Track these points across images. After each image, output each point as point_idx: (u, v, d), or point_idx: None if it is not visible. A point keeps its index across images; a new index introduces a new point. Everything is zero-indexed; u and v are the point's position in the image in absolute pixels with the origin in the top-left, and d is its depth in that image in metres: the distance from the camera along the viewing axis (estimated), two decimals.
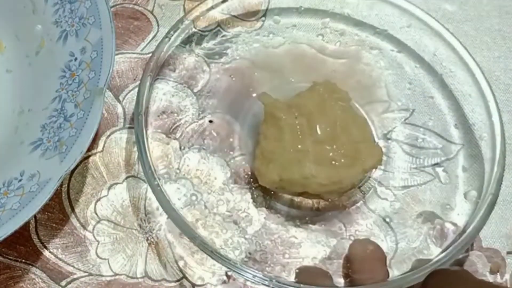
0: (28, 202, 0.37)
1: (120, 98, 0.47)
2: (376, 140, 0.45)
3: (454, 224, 0.41)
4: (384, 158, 0.43)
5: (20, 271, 0.41)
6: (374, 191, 0.43)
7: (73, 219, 0.42)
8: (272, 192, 0.43)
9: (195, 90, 0.46)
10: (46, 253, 0.41)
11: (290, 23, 0.49)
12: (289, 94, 0.43)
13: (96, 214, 0.42)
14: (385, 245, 0.41)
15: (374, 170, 0.43)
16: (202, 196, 0.42)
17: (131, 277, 0.41)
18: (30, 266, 0.41)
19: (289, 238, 0.41)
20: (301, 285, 0.37)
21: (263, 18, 0.49)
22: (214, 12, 0.48)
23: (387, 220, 0.42)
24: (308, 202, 0.43)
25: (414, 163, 0.44)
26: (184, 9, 0.51)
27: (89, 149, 0.42)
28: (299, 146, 0.40)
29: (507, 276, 0.42)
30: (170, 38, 0.45)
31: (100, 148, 0.45)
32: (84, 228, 0.42)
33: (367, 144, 0.41)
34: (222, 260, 0.38)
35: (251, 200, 0.43)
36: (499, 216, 0.44)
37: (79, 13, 0.42)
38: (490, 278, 0.41)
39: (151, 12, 0.50)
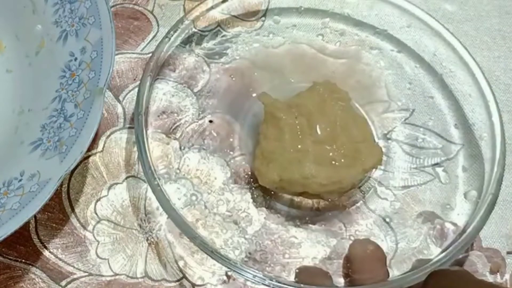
0: (28, 202, 0.37)
1: (120, 98, 0.47)
2: (376, 140, 0.45)
3: (454, 224, 0.41)
4: (384, 158, 0.43)
5: (20, 271, 0.41)
6: (374, 191, 0.43)
7: (73, 219, 0.42)
8: (272, 192, 0.43)
9: (195, 90, 0.46)
10: (46, 253, 0.41)
11: (290, 23, 0.49)
12: (289, 94, 0.43)
13: (96, 214, 0.42)
14: (385, 245, 0.41)
15: (374, 170, 0.43)
16: (202, 196, 0.42)
17: (131, 277, 0.41)
18: (30, 266, 0.41)
19: (289, 238, 0.41)
20: (301, 285, 0.37)
21: (263, 18, 0.49)
22: (214, 12, 0.48)
23: (387, 220, 0.42)
24: (308, 202, 0.43)
25: (414, 163, 0.44)
26: (184, 9, 0.51)
27: (89, 149, 0.42)
28: (299, 146, 0.40)
29: (507, 276, 0.42)
30: (170, 38, 0.45)
31: (100, 148, 0.45)
32: (84, 228, 0.42)
33: (367, 144, 0.41)
34: (222, 260, 0.38)
35: (251, 200, 0.43)
36: (499, 216, 0.44)
37: (79, 13, 0.42)
38: (490, 278, 0.41)
39: (151, 12, 0.50)
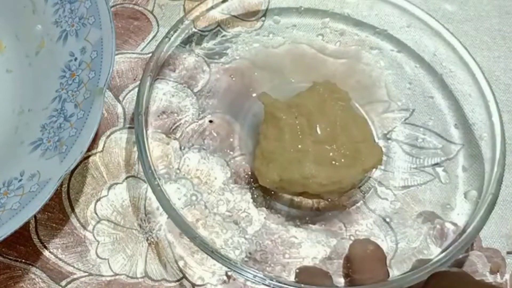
0: (28, 202, 0.37)
1: (120, 98, 0.47)
2: (376, 140, 0.45)
3: (454, 224, 0.41)
4: (384, 158, 0.43)
5: (20, 271, 0.41)
6: (374, 191, 0.43)
7: (73, 219, 0.42)
8: (272, 192, 0.43)
9: (195, 90, 0.46)
10: (46, 253, 0.41)
11: (290, 23, 0.49)
12: (289, 94, 0.43)
13: (96, 214, 0.42)
14: (385, 245, 0.41)
15: (374, 170, 0.43)
16: (202, 196, 0.42)
17: (131, 277, 0.41)
18: (30, 266, 0.41)
19: (289, 238, 0.41)
20: (301, 285, 0.37)
21: (263, 18, 0.49)
22: (214, 12, 0.48)
23: (387, 220, 0.42)
24: (308, 202, 0.43)
25: (414, 163, 0.44)
26: (184, 9, 0.51)
27: (89, 149, 0.42)
28: (299, 146, 0.40)
29: (507, 276, 0.42)
30: (170, 38, 0.45)
31: (100, 148, 0.45)
32: (84, 228, 0.42)
33: (367, 144, 0.41)
34: (223, 260, 0.38)
35: (251, 200, 0.43)
36: (499, 216, 0.44)
37: (79, 13, 0.42)
38: (490, 278, 0.41)
39: (151, 12, 0.50)
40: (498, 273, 0.42)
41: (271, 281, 0.37)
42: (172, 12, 0.50)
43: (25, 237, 0.42)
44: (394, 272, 0.40)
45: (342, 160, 0.40)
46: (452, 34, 0.46)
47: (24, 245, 0.41)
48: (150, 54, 0.46)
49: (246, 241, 0.41)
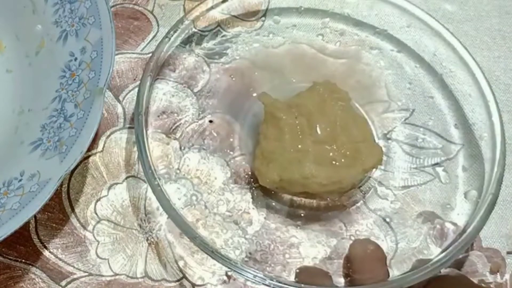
0: (28, 202, 0.37)
1: (120, 98, 0.47)
2: (376, 140, 0.45)
3: (454, 224, 0.41)
4: (384, 158, 0.43)
5: (20, 271, 0.41)
6: (374, 191, 0.43)
7: (73, 219, 0.42)
8: (272, 192, 0.43)
9: (195, 90, 0.46)
10: (46, 253, 0.41)
11: (290, 23, 0.49)
12: (289, 94, 0.43)
13: (96, 214, 0.42)
14: (385, 245, 0.41)
15: (374, 170, 0.43)
16: (202, 196, 0.42)
17: (131, 277, 0.41)
18: (30, 266, 0.41)
19: (289, 238, 0.41)
20: (302, 285, 0.37)
21: (263, 18, 0.49)
22: (214, 12, 0.48)
23: (387, 220, 0.42)
24: (308, 202, 0.43)
25: (414, 163, 0.44)
26: (184, 9, 0.51)
27: (89, 149, 0.42)
28: (299, 146, 0.40)
29: (507, 276, 0.42)
30: (170, 38, 0.45)
31: (100, 148, 0.45)
32: (84, 228, 0.42)
33: (367, 144, 0.41)
34: (223, 260, 0.38)
35: (251, 200, 0.43)
36: (499, 216, 0.44)
37: (79, 13, 0.42)
38: (490, 278, 0.41)
39: (151, 12, 0.50)
40: (498, 273, 0.42)
41: (271, 281, 0.37)
42: (172, 12, 0.50)
43: (25, 237, 0.42)
44: (394, 272, 0.40)
45: (342, 160, 0.40)
46: (452, 34, 0.46)
47: (24, 245, 0.41)
48: (150, 54, 0.46)
49: (246, 241, 0.41)
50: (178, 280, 0.41)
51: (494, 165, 0.42)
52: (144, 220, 0.42)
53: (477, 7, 0.52)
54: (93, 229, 0.42)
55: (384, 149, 0.43)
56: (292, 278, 0.40)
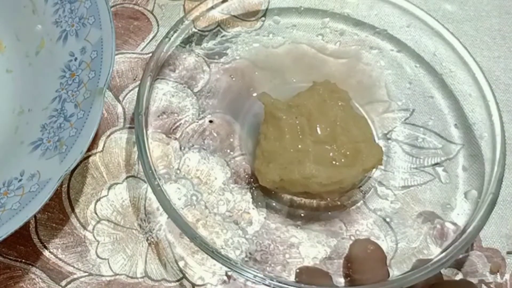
0: (28, 202, 0.37)
1: (120, 98, 0.47)
2: (376, 140, 0.45)
3: (454, 224, 0.41)
4: (384, 158, 0.43)
5: (20, 271, 0.41)
6: (374, 191, 0.43)
7: (73, 219, 0.42)
8: (272, 192, 0.43)
9: (195, 90, 0.46)
10: (46, 253, 0.41)
11: (290, 23, 0.49)
12: (289, 94, 0.43)
13: (96, 214, 0.42)
14: (385, 245, 0.41)
15: (374, 170, 0.43)
16: (202, 196, 0.42)
17: (131, 277, 0.41)
18: (30, 266, 0.41)
19: (289, 238, 0.41)
20: (302, 285, 0.37)
21: (263, 18, 0.49)
22: (214, 12, 0.48)
23: (387, 220, 0.42)
24: (308, 202, 0.43)
25: (414, 163, 0.44)
26: (184, 9, 0.51)
27: (89, 149, 0.42)
28: (299, 146, 0.40)
29: (507, 276, 0.42)
30: (170, 38, 0.45)
31: (100, 148, 0.45)
32: (84, 228, 0.42)
33: (367, 144, 0.41)
34: (223, 260, 0.38)
35: (251, 200, 0.43)
36: (499, 216, 0.44)
37: (79, 13, 0.42)
38: (490, 278, 0.41)
39: (151, 12, 0.50)
40: (498, 273, 0.42)
41: (271, 281, 0.37)
42: (172, 12, 0.50)
43: (25, 237, 0.42)
44: (394, 272, 0.40)
45: (342, 160, 0.40)
46: (452, 34, 0.46)
47: (24, 245, 0.41)
48: (150, 54, 0.46)
49: (246, 241, 0.41)
50: (178, 280, 0.41)
51: (494, 165, 0.42)
52: (144, 220, 0.42)
53: (477, 7, 0.52)
54: (93, 229, 0.42)
55: (384, 149, 0.43)
56: (292, 278, 0.40)
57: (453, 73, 0.46)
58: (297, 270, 0.40)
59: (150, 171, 0.40)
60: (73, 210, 0.43)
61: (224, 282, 0.41)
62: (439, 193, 0.43)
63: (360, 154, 0.40)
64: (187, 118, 0.45)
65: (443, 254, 0.39)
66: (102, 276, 0.41)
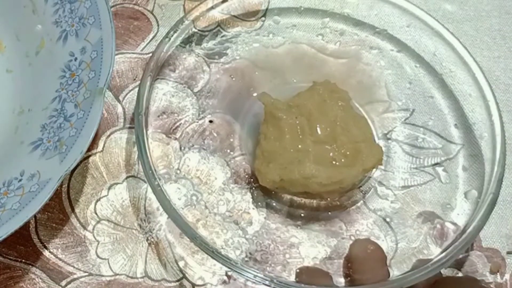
0: (28, 202, 0.37)
1: (120, 98, 0.47)
2: (376, 140, 0.45)
3: (454, 224, 0.41)
4: (384, 158, 0.43)
5: (20, 271, 0.41)
6: (374, 191, 0.43)
7: (73, 219, 0.42)
8: (272, 192, 0.43)
9: (195, 90, 0.46)
10: (46, 253, 0.41)
11: (290, 23, 0.49)
12: (289, 94, 0.43)
13: (96, 214, 0.42)
14: (385, 245, 0.41)
15: (374, 170, 0.43)
16: (202, 196, 0.42)
17: (131, 277, 0.41)
18: (30, 266, 0.41)
19: (289, 238, 0.41)
20: (302, 285, 0.37)
21: (263, 18, 0.49)
22: (214, 12, 0.48)
23: (387, 220, 0.42)
24: (308, 202, 0.43)
25: (414, 163, 0.44)
26: (184, 9, 0.51)
27: (89, 149, 0.42)
28: (300, 146, 0.40)
29: (507, 276, 0.42)
30: (170, 38, 0.45)
31: (100, 148, 0.45)
32: (84, 228, 0.42)
33: (367, 144, 0.41)
34: (223, 260, 0.37)
35: (251, 200, 0.43)
36: (499, 216, 0.44)
37: (79, 13, 0.42)
38: (490, 278, 0.41)
39: (151, 12, 0.50)
40: (498, 273, 0.42)
41: (271, 281, 0.37)
42: (172, 12, 0.50)
43: (25, 237, 0.42)
44: (394, 272, 0.40)
45: (342, 160, 0.40)
46: (452, 34, 0.46)
47: (24, 245, 0.41)
48: (150, 54, 0.46)
49: (246, 241, 0.41)
50: (178, 280, 0.41)
51: (494, 165, 0.42)
52: (144, 220, 0.42)
53: (477, 7, 0.52)
54: (93, 229, 0.42)
55: (384, 149, 0.43)
56: (292, 278, 0.40)
57: (453, 73, 0.46)
58: (297, 270, 0.40)
59: (150, 171, 0.40)
60: (73, 210, 0.43)
61: (224, 282, 0.41)
62: (439, 193, 0.43)
63: (360, 154, 0.40)
64: (187, 118, 0.45)
65: (443, 254, 0.39)
66: (102, 276, 0.41)
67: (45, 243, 0.42)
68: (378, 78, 0.47)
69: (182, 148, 0.44)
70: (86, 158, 0.44)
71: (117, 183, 0.44)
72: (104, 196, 0.43)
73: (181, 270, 0.41)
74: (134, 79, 0.47)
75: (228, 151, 0.44)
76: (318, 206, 0.43)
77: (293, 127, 0.41)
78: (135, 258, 0.41)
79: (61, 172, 0.37)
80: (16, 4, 0.45)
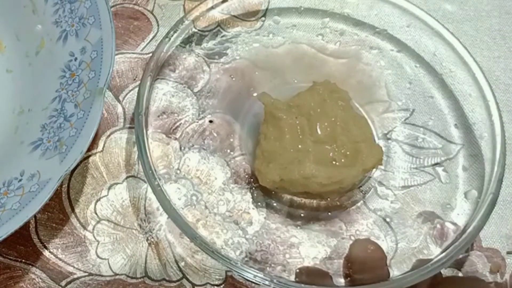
0: (28, 202, 0.37)
1: (120, 98, 0.47)
2: (376, 140, 0.45)
3: (454, 224, 0.41)
4: (384, 158, 0.43)
5: (20, 271, 0.41)
6: (374, 191, 0.43)
7: (73, 219, 0.42)
8: (272, 192, 0.43)
9: (195, 90, 0.46)
10: (46, 253, 0.41)
11: (290, 23, 0.49)
12: (289, 94, 0.43)
13: (96, 214, 0.42)
14: (385, 245, 0.41)
15: (374, 170, 0.43)
16: (202, 196, 0.42)
17: (131, 277, 0.41)
18: (30, 266, 0.41)
19: (289, 238, 0.41)
20: (302, 285, 0.37)
21: (263, 18, 0.49)
22: (214, 12, 0.48)
23: (387, 220, 0.42)
24: (308, 202, 0.43)
25: (414, 163, 0.44)
26: (184, 9, 0.51)
27: (89, 149, 0.42)
28: (300, 146, 0.40)
29: (507, 276, 0.42)
30: (170, 38, 0.45)
31: (100, 148, 0.45)
32: (84, 228, 0.42)
33: (367, 144, 0.41)
34: (223, 260, 0.37)
35: (251, 200, 0.43)
36: (499, 216, 0.44)
37: (79, 13, 0.42)
38: (490, 278, 0.41)
39: (151, 12, 0.50)
40: (498, 273, 0.42)
41: (271, 281, 0.37)
42: (172, 12, 0.50)
43: (25, 237, 0.42)
44: (394, 272, 0.40)
45: (342, 160, 0.40)
46: (452, 34, 0.46)
47: (24, 245, 0.41)
48: (150, 54, 0.46)
49: (246, 241, 0.41)
50: (178, 280, 0.41)
51: (494, 165, 0.42)
52: (144, 220, 0.42)
53: (477, 7, 0.52)
54: (93, 229, 0.42)
55: (384, 149, 0.43)
56: (292, 278, 0.40)
57: (453, 73, 0.46)
58: (297, 270, 0.40)
59: (150, 171, 0.40)
60: (73, 210, 0.43)
61: (224, 282, 0.41)
62: (439, 193, 0.43)
63: (360, 154, 0.40)
64: (187, 118, 0.45)
65: (443, 254, 0.39)
66: (102, 276, 0.41)
67: (45, 243, 0.42)
68: (378, 78, 0.47)
69: (182, 148, 0.44)
70: (86, 158, 0.44)
71: (117, 183, 0.44)
72: (104, 196, 0.43)
73: (181, 270, 0.41)
74: (134, 79, 0.47)
75: (228, 151, 0.44)
76: (318, 206, 0.43)
77: (293, 127, 0.41)
78: (135, 258, 0.41)
79: (61, 172, 0.37)
80: (16, 4, 0.45)
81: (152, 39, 0.49)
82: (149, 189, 0.42)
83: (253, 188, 0.43)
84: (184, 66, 0.47)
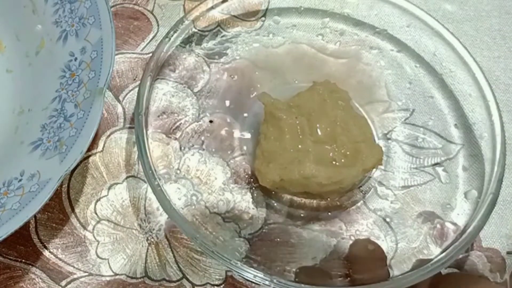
0: (28, 202, 0.37)
1: (120, 98, 0.47)
2: (376, 140, 0.45)
3: (454, 224, 0.41)
4: (384, 158, 0.43)
5: (20, 271, 0.41)
6: (374, 191, 0.43)
7: (73, 219, 0.42)
8: (272, 192, 0.43)
9: (195, 90, 0.46)
10: (46, 253, 0.41)
11: (290, 23, 0.49)
12: (289, 94, 0.43)
13: (96, 214, 0.42)
14: (385, 245, 0.41)
15: (374, 170, 0.43)
16: (202, 196, 0.42)
17: (131, 277, 0.41)
18: (30, 266, 0.41)
19: (289, 238, 0.41)
20: (302, 285, 0.37)
21: (263, 18, 0.49)
22: (214, 12, 0.48)
23: (387, 220, 0.42)
24: (308, 202, 0.43)
25: (414, 163, 0.44)
26: (184, 9, 0.51)
27: (89, 149, 0.42)
28: (300, 146, 0.40)
29: (507, 276, 0.42)
30: (170, 38, 0.45)
31: (100, 148, 0.45)
32: (84, 228, 0.42)
33: (367, 144, 0.41)
34: (223, 260, 0.37)
35: (251, 200, 0.43)
36: (499, 216, 0.44)
37: (79, 13, 0.42)
38: (490, 278, 0.41)
39: (151, 12, 0.50)
40: (498, 273, 0.42)
41: (271, 281, 0.37)
42: (172, 12, 0.50)
43: (25, 237, 0.42)
44: (394, 272, 0.40)
45: (342, 160, 0.40)
46: (452, 34, 0.46)
47: (24, 245, 0.41)
48: (150, 54, 0.46)
49: (247, 241, 0.41)
50: (178, 280, 0.41)
51: (494, 165, 0.42)
52: (144, 220, 0.42)
53: (477, 7, 0.52)
54: (93, 229, 0.42)
55: (384, 149, 0.43)
56: (292, 278, 0.40)
57: (453, 73, 0.46)
58: (297, 270, 0.40)
59: (150, 171, 0.40)
60: (73, 210, 0.43)
61: (224, 282, 0.41)
62: (439, 193, 0.43)
63: (360, 154, 0.40)
64: (187, 118, 0.45)
65: (443, 254, 0.39)
66: (102, 276, 0.41)
67: (45, 243, 0.42)
68: (378, 78, 0.47)
69: (182, 148, 0.44)
70: (86, 158, 0.44)
71: (117, 183, 0.44)
72: (104, 196, 0.43)
73: (181, 270, 0.41)
74: (134, 79, 0.47)
75: (228, 151, 0.44)
76: (318, 206, 0.43)
77: (293, 127, 0.41)
78: (135, 258, 0.41)
79: (61, 172, 0.37)
80: (16, 4, 0.45)
81: (152, 39, 0.49)
82: (149, 189, 0.42)
83: (253, 188, 0.43)
84: (184, 66, 0.47)
